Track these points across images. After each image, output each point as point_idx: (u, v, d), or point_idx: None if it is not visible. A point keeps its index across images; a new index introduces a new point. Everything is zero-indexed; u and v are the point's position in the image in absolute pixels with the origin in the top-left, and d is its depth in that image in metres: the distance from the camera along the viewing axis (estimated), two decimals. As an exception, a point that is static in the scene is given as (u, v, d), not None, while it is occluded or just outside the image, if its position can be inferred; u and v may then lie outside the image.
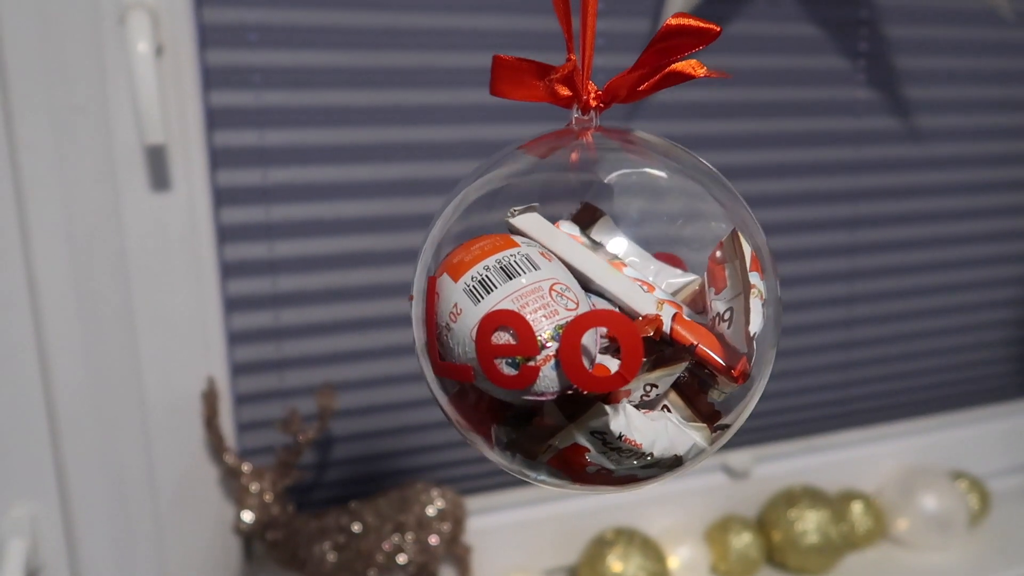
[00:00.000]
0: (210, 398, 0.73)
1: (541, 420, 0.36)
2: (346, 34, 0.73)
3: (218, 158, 0.72)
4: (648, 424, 0.34)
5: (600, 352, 0.34)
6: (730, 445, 0.98)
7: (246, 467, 0.73)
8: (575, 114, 0.38)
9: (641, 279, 0.36)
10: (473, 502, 0.85)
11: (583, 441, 0.34)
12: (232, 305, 0.75)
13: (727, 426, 0.37)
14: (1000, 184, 1.05)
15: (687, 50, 0.35)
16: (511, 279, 0.33)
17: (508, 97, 0.38)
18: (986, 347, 1.11)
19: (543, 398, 0.33)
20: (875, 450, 1.03)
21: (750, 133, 0.90)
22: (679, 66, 0.35)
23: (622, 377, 0.32)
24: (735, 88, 0.88)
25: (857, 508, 0.96)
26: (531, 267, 0.33)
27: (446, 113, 0.77)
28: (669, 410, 0.36)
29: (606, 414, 0.33)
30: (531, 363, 0.32)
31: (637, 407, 0.35)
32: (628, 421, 0.34)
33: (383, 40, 0.74)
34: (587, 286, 0.35)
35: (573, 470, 0.36)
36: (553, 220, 0.38)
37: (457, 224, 0.38)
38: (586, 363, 0.32)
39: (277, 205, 0.74)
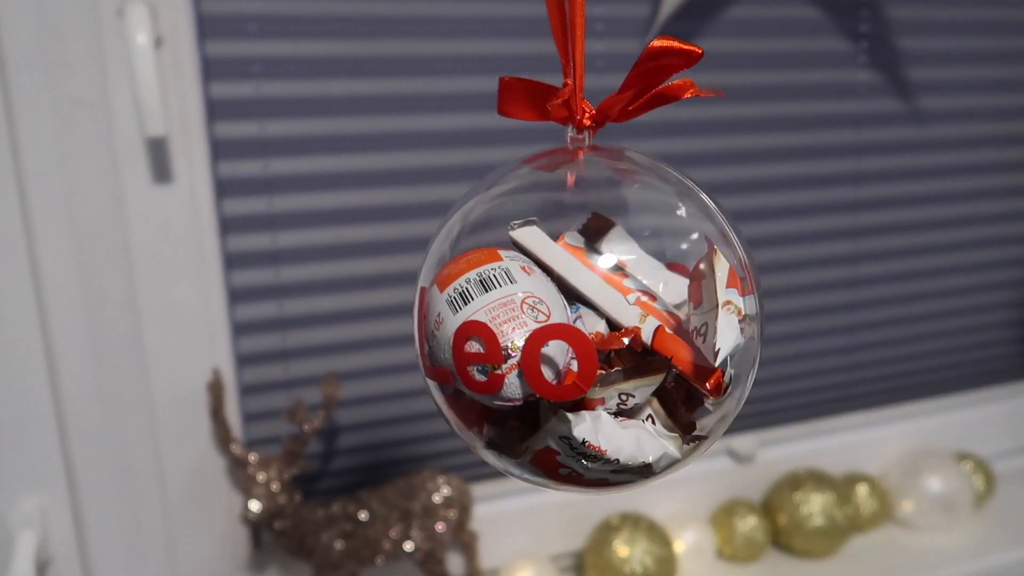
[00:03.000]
0: (216, 389, 0.73)
1: (517, 423, 0.38)
2: (346, 23, 0.73)
3: (219, 149, 0.72)
4: (618, 431, 0.36)
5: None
6: (735, 429, 0.98)
7: (253, 457, 0.73)
8: (570, 133, 0.40)
9: (645, 289, 0.38)
10: (479, 489, 0.86)
11: (553, 444, 0.36)
12: (236, 296, 0.75)
13: (704, 437, 0.39)
14: (1003, 165, 1.04)
15: (671, 71, 0.36)
16: (487, 292, 0.35)
17: (513, 117, 0.39)
18: (991, 328, 1.10)
19: (509, 403, 0.35)
20: (880, 433, 1.03)
21: (751, 117, 0.89)
22: (669, 87, 0.37)
23: (578, 387, 0.34)
24: (736, 72, 0.87)
25: (862, 491, 0.97)
26: (508, 280, 0.36)
27: (448, 102, 0.77)
28: (653, 419, 0.38)
29: (568, 421, 0.35)
30: (498, 371, 0.34)
31: (616, 415, 0.37)
32: (597, 428, 0.35)
33: (383, 29, 0.74)
34: (579, 298, 0.37)
35: (548, 471, 0.37)
36: (555, 234, 0.39)
37: (457, 239, 0.40)
38: (549, 373, 0.34)
39: (279, 196, 0.74)
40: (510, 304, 0.35)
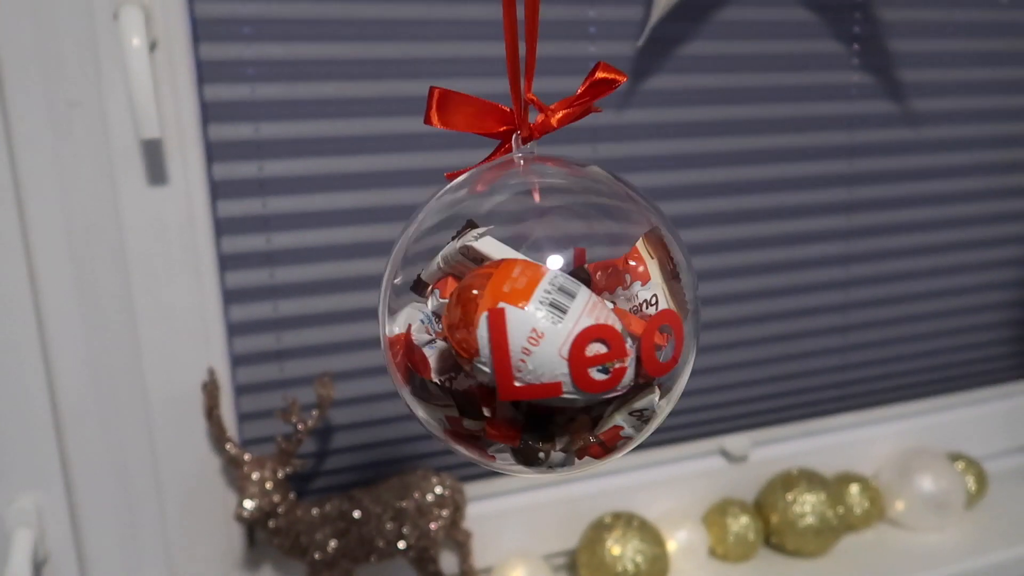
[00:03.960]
0: (211, 389, 0.74)
1: (586, 415, 0.40)
2: (339, 25, 0.73)
3: (214, 151, 0.72)
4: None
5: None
6: (728, 429, 0.99)
7: (247, 456, 0.74)
8: (517, 143, 0.42)
9: None
10: (473, 488, 0.86)
11: (621, 421, 0.39)
12: (231, 297, 0.76)
13: (669, 388, 0.43)
14: (995, 166, 1.05)
15: (606, 92, 0.41)
16: (574, 298, 0.37)
17: (448, 128, 0.41)
18: (983, 329, 1.11)
19: (619, 393, 0.37)
20: (872, 432, 1.04)
21: (746, 118, 0.90)
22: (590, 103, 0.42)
23: (675, 360, 0.38)
24: (731, 74, 0.88)
25: (854, 490, 0.97)
26: (576, 283, 0.37)
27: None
28: None
29: (655, 392, 0.39)
30: (621, 365, 0.36)
31: None
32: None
33: (376, 32, 0.74)
34: None
35: (604, 450, 0.40)
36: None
37: (418, 257, 0.42)
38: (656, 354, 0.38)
39: (273, 197, 0.75)
40: (598, 304, 0.37)
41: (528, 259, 0.38)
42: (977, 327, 1.10)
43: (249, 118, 0.73)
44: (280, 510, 0.74)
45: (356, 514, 0.77)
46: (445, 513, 0.79)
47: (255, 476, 0.73)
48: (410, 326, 0.41)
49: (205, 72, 0.71)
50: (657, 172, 0.88)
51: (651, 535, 0.87)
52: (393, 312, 0.44)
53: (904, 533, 0.98)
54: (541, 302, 0.36)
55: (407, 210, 0.78)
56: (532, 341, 0.36)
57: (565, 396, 0.36)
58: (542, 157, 0.42)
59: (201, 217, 0.73)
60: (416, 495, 0.79)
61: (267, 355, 0.78)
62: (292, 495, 0.76)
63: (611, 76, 0.41)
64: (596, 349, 0.36)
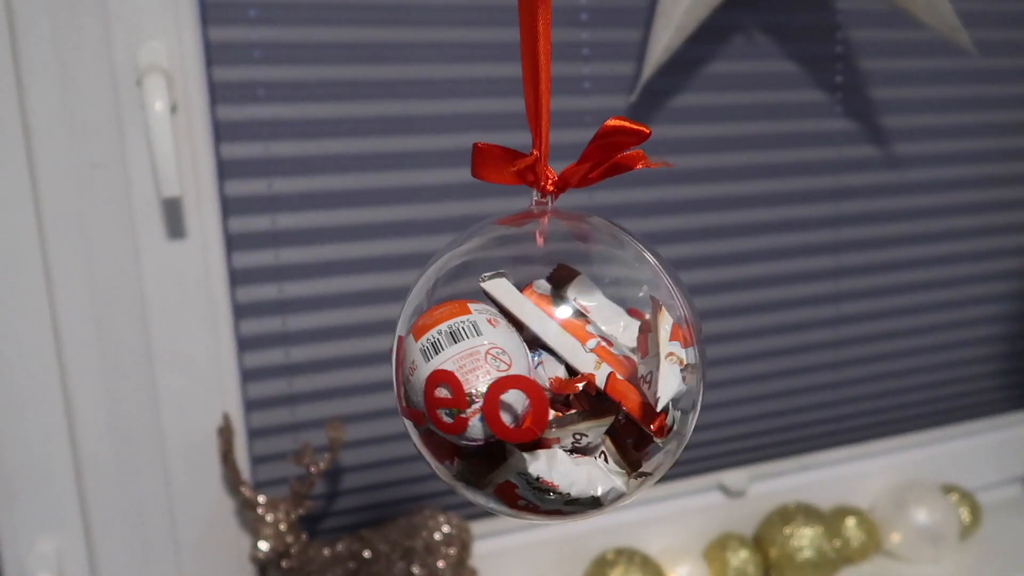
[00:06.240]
0: (226, 433, 0.76)
1: (480, 460, 0.41)
2: (347, 86, 0.77)
3: (229, 206, 0.76)
4: (571, 468, 0.40)
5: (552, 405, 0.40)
6: (726, 464, 1.02)
7: (261, 499, 0.76)
8: (535, 197, 0.43)
9: (604, 335, 0.42)
10: (479, 526, 0.89)
11: (513, 479, 0.40)
12: (245, 344, 0.79)
13: (648, 474, 0.43)
14: (977, 205, 1.08)
15: (625, 146, 0.40)
16: (456, 343, 0.39)
17: (486, 180, 0.42)
18: (973, 363, 1.14)
19: (473, 443, 0.39)
20: (867, 466, 1.06)
21: (736, 165, 0.94)
22: (623, 158, 0.41)
23: (531, 431, 0.38)
24: (721, 124, 0.92)
25: (851, 523, 0.99)
26: (474, 333, 0.39)
27: (453, 158, 0.82)
28: (606, 456, 0.42)
29: (525, 460, 0.39)
30: (463, 415, 0.38)
31: (572, 451, 0.41)
32: (551, 465, 0.40)
33: (383, 90, 0.78)
34: (542, 345, 0.41)
35: (509, 501, 0.41)
36: (523, 283, 0.43)
37: (432, 292, 0.43)
38: (507, 417, 0.38)
39: (285, 249, 0.78)
40: (475, 355, 0.39)
41: (476, 303, 0.41)
42: (967, 361, 1.13)
43: (262, 174, 0.76)
44: (293, 551, 0.76)
45: (366, 554, 0.79)
46: (452, 551, 0.81)
47: (269, 518, 0.76)
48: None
49: (221, 132, 0.74)
50: (651, 217, 0.91)
51: (653, 571, 0.89)
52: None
53: (901, 565, 1.00)
54: (428, 339, 0.39)
55: (415, 259, 0.82)
56: (411, 371, 0.40)
57: (429, 427, 0.39)
58: (559, 212, 0.43)
59: (217, 269, 0.76)
60: (424, 534, 0.81)
61: (279, 400, 0.81)
62: (304, 536, 0.78)
63: (623, 125, 0.40)
64: (442, 393, 0.38)
